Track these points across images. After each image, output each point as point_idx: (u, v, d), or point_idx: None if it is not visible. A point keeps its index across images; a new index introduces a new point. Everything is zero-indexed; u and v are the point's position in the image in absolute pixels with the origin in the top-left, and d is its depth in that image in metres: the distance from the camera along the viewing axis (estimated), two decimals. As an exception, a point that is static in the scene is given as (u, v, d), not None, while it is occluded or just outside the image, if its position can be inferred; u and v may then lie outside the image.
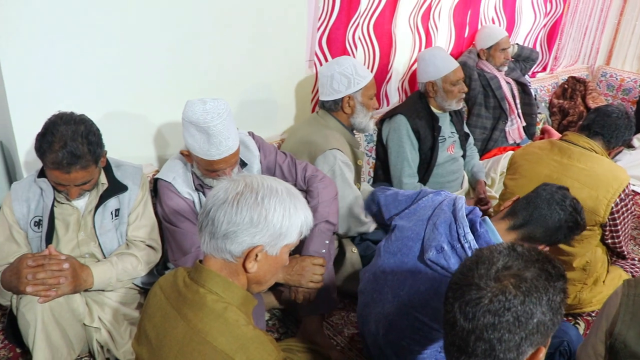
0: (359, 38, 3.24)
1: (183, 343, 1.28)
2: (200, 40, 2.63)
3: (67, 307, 1.98)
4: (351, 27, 3.12)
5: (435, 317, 1.77)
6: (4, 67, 2.23)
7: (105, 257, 2.18)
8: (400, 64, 3.60)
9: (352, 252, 2.68)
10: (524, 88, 3.99)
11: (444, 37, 3.79)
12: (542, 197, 1.85)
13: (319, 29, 3.06)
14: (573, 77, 4.85)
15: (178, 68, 2.62)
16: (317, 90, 3.14)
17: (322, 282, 2.18)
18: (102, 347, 2.17)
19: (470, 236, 1.76)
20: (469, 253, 1.72)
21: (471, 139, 3.59)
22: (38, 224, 2.10)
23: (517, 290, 1.10)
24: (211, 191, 1.34)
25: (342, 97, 2.72)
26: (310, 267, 2.15)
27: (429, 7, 3.48)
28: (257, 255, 1.32)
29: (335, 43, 3.09)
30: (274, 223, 1.30)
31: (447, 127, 3.28)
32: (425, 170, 3.20)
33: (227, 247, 1.30)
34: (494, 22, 4.08)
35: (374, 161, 3.38)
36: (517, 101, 3.92)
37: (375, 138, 3.32)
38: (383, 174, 3.32)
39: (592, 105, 4.58)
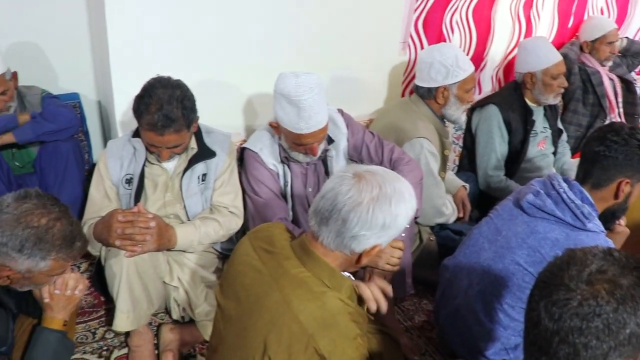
0: (457, 22, 3.15)
1: (275, 315, 1.30)
2: (296, 14, 2.64)
3: (150, 263, 2.06)
4: (449, 10, 3.04)
5: (530, 258, 1.84)
6: (110, 31, 2.33)
7: (188, 220, 2.25)
8: (496, 52, 3.47)
9: (430, 240, 2.64)
10: (628, 86, 3.74)
11: (546, 26, 3.61)
12: (592, 138, 1.90)
13: (415, 10, 2.99)
14: (687, 78, 4.51)
15: (273, 40, 2.65)
16: (409, 74, 3.09)
17: (399, 265, 2.16)
18: (178, 305, 2.26)
19: (564, 184, 1.85)
20: (564, 197, 1.81)
21: (564, 136, 3.42)
22: (129, 181, 2.20)
23: (610, 297, 1.04)
24: (339, 186, 1.31)
25: (437, 87, 2.63)
26: (389, 249, 2.13)
27: (533, -6, 3.34)
28: (374, 251, 1.36)
29: (432, 26, 3.02)
30: (398, 225, 1.34)
31: (540, 122, 3.15)
32: (512, 164, 3.09)
33: (351, 246, 1.33)
34: (602, 13, 3.85)
35: (460, 149, 3.30)
36: (619, 100, 3.68)
37: (464, 126, 3.23)
38: (468, 163, 3.23)
39: None
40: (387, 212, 1.29)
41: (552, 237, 1.84)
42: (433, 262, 2.57)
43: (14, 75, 2.65)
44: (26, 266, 1.45)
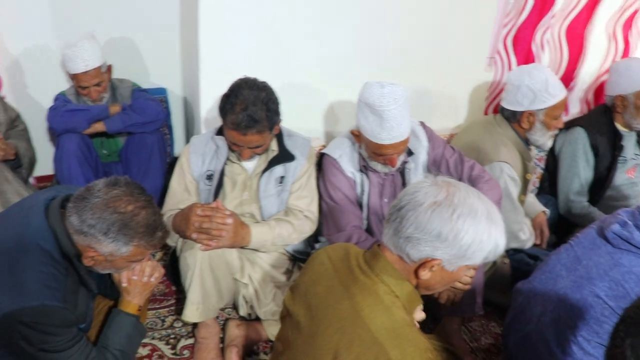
0: (548, 40, 3.05)
1: (345, 323, 1.28)
2: (384, 23, 2.65)
3: (224, 259, 2.10)
4: (541, 27, 2.94)
5: (611, 291, 1.74)
6: (202, 30, 2.41)
7: (263, 220, 2.28)
8: (587, 73, 3.33)
9: (504, 262, 2.56)
10: None
11: (645, 48, 3.44)
12: None
13: (505, 25, 2.93)
14: None
15: (359, 48, 2.66)
16: (494, 91, 3.03)
17: (470, 284, 2.11)
18: (246, 302, 2.30)
19: None
20: None
21: (657, 165, 3.25)
22: (210, 177, 2.26)
23: None
24: (410, 187, 1.30)
25: (523, 111, 2.54)
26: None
27: (635, 13, 3.17)
28: (432, 266, 1.29)
29: (521, 43, 2.94)
30: (462, 244, 1.23)
31: (630, 148, 3.00)
32: (597, 190, 2.95)
33: (405, 249, 1.28)
34: None
35: (541, 171, 3.19)
36: None
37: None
38: (549, 186, 3.12)
39: None
40: (446, 221, 1.22)
41: (637, 272, 1.74)
42: (505, 284, 2.50)
43: (109, 68, 2.79)
44: (109, 249, 1.51)
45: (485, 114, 3.09)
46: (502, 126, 2.63)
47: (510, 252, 2.64)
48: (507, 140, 2.59)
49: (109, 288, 1.86)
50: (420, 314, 1.53)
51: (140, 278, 1.76)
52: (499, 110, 2.69)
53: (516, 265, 2.56)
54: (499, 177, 2.46)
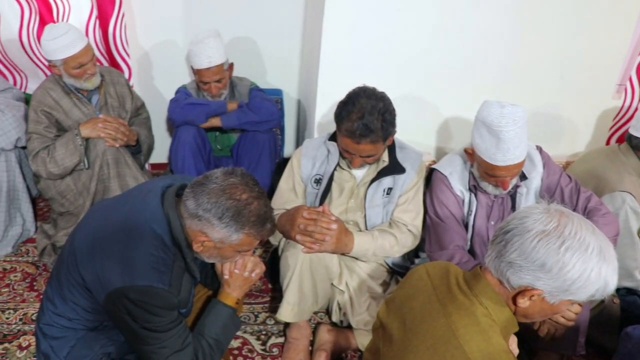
0: (688, 71, 2.85)
1: (439, 341, 1.26)
2: (506, 43, 2.58)
3: (324, 263, 2.12)
4: (681, 56, 2.76)
5: None
6: (325, 38, 2.45)
7: (366, 229, 2.28)
8: None
9: (613, 303, 2.40)
10: None
11: None
12: None
13: (640, 52, 2.76)
14: None
15: (479, 66, 2.61)
16: (620, 120, 2.86)
17: (574, 321, 2.00)
18: (340, 309, 2.31)
19: None
20: None
21: None
22: (318, 181, 2.28)
23: None
24: (521, 210, 1.27)
25: None
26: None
27: None
28: (532, 295, 1.24)
29: (656, 72, 2.76)
30: (566, 279, 1.19)
31: None
32: None
33: (506, 274, 1.25)
34: None
35: (664, 207, 2.97)
36: None
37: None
38: (673, 226, 2.90)
39: None
40: (553, 252, 1.17)
41: None
42: (612, 326, 2.35)
43: (230, 66, 2.90)
44: (221, 236, 1.55)
45: (607, 144, 2.92)
46: (627, 155, 2.48)
47: (622, 292, 2.47)
48: (632, 170, 2.43)
49: (210, 278, 1.91)
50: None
51: (241, 272, 1.80)
52: (626, 138, 2.54)
53: (627, 307, 2.39)
54: (619, 208, 2.32)
